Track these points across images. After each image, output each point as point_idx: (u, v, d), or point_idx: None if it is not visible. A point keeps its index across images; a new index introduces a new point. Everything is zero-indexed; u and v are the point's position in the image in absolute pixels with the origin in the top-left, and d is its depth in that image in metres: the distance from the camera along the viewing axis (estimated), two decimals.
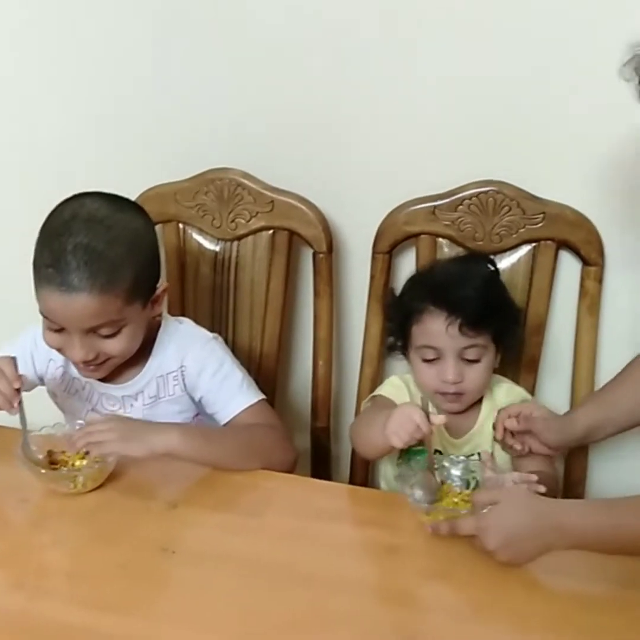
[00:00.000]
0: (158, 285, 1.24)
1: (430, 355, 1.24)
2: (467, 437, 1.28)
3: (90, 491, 1.13)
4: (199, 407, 1.31)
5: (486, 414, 1.30)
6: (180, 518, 1.09)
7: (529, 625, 0.92)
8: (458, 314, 1.20)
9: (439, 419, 1.10)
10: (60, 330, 1.16)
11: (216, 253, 1.54)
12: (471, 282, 1.24)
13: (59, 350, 1.20)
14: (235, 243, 1.52)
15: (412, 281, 1.34)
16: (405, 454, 1.28)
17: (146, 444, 1.12)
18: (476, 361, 1.24)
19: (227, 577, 0.98)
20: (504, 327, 1.26)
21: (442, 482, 1.11)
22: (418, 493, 1.08)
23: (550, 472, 1.25)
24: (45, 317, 1.16)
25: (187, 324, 1.33)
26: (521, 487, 1.03)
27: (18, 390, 1.13)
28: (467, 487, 1.12)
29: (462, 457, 1.16)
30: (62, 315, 1.14)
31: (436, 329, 1.22)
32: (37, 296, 1.16)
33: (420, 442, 1.14)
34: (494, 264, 1.34)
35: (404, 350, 1.31)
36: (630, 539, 0.93)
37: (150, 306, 1.23)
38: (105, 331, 1.16)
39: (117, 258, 1.14)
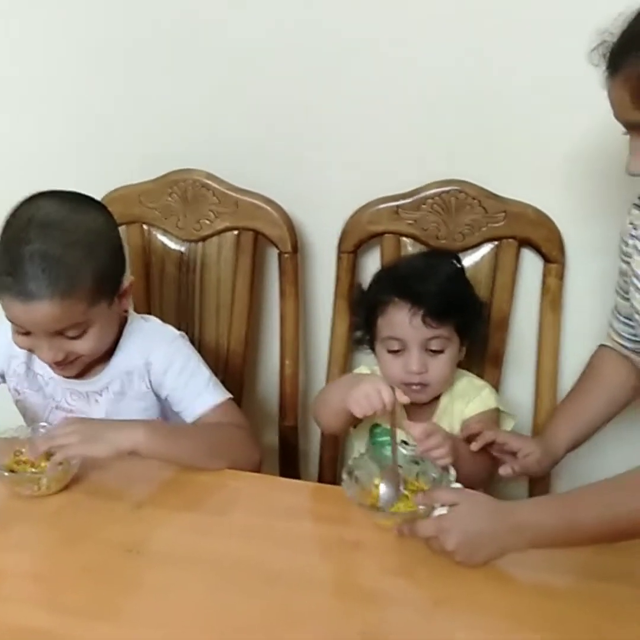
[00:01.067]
0: (124, 279, 1.23)
1: (395, 346, 1.26)
2: None
3: (55, 493, 1.12)
4: (165, 406, 1.31)
5: (444, 406, 1.31)
6: (146, 519, 1.09)
7: (491, 617, 0.93)
8: (421, 304, 1.22)
9: (404, 398, 1.14)
10: (27, 333, 1.16)
11: (181, 254, 1.54)
12: (435, 275, 1.27)
13: (30, 351, 1.20)
14: (200, 244, 1.52)
15: (378, 275, 1.36)
16: (372, 444, 1.30)
17: (111, 443, 1.12)
18: (440, 352, 1.25)
19: (193, 577, 0.98)
20: (467, 319, 1.28)
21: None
22: (383, 489, 1.09)
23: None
24: (9, 320, 1.16)
25: (153, 321, 1.34)
26: (477, 492, 1.04)
27: None
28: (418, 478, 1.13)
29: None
30: (25, 322, 1.14)
31: (400, 320, 1.24)
32: (0, 302, 1.15)
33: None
34: (458, 260, 1.36)
35: (371, 343, 1.33)
36: (584, 532, 0.94)
37: (117, 301, 1.22)
38: (71, 333, 1.16)
39: (76, 262, 1.13)
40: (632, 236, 1.15)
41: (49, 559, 1.03)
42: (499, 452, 1.23)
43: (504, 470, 1.20)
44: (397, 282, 1.27)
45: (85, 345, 1.18)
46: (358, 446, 1.33)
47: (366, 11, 1.38)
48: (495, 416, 1.32)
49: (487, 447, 1.22)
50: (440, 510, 1.00)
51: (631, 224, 1.16)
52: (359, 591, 0.98)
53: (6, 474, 1.12)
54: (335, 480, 1.53)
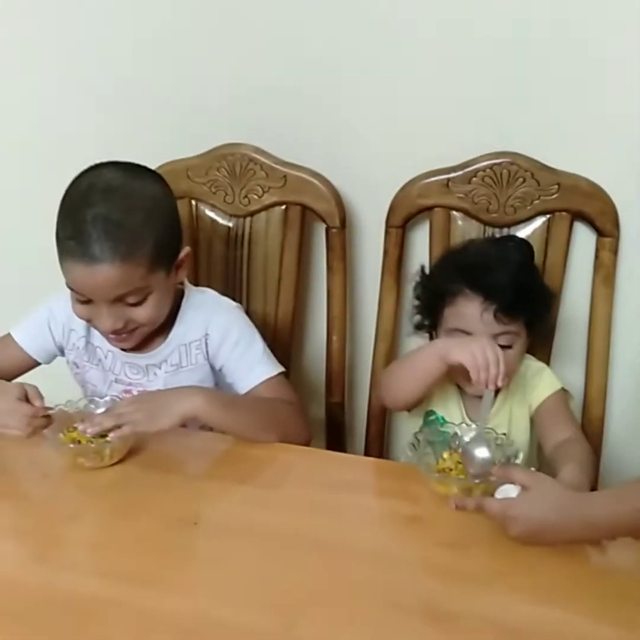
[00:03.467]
0: (180, 250, 1.24)
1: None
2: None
3: (110, 466, 1.13)
4: (218, 377, 1.32)
5: (503, 397, 1.28)
6: (200, 491, 1.10)
7: (551, 593, 0.92)
8: (494, 299, 1.19)
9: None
10: (87, 301, 1.17)
11: (229, 229, 1.53)
12: (508, 267, 1.22)
13: (89, 321, 1.22)
14: (248, 219, 1.52)
15: (445, 260, 1.32)
16: (424, 424, 1.29)
17: (173, 413, 1.13)
18: (508, 347, 1.22)
19: (248, 548, 0.99)
20: (538, 314, 1.25)
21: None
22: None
23: (580, 435, 1.23)
24: (71, 289, 1.18)
25: (210, 293, 1.34)
26: (550, 479, 1.01)
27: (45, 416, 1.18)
28: None
29: (473, 425, 1.16)
30: (86, 287, 1.15)
31: (470, 313, 1.20)
32: (62, 269, 1.17)
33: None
34: (530, 248, 1.32)
35: (432, 329, 1.30)
36: None
37: (175, 272, 1.23)
38: (131, 299, 1.17)
39: (136, 226, 1.14)
40: None
41: (106, 529, 1.03)
42: None
43: None
44: (468, 272, 1.22)
45: (144, 313, 1.19)
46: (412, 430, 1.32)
47: None
48: (563, 396, 1.29)
49: None
50: (507, 487, 0.98)
51: None
52: (415, 564, 0.97)
53: (72, 445, 1.13)
54: (382, 457, 1.53)
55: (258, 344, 1.30)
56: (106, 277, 1.13)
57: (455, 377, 1.24)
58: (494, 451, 1.10)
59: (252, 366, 1.28)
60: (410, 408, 1.31)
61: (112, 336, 1.22)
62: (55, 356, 1.34)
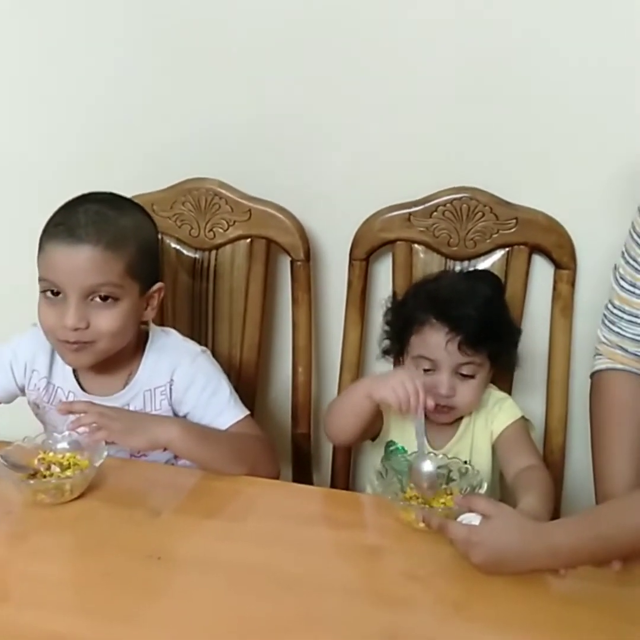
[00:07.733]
0: (156, 282, 1.26)
1: (425, 365, 1.25)
2: (447, 448, 1.29)
3: (72, 501, 1.13)
4: None
5: (466, 425, 1.31)
6: (164, 525, 1.09)
7: (511, 623, 0.93)
8: (459, 331, 1.22)
9: (430, 402, 1.15)
10: (57, 294, 1.17)
11: (194, 262, 1.55)
12: (475, 301, 1.25)
13: (50, 330, 1.19)
14: (214, 252, 1.53)
15: (417, 289, 1.34)
16: (385, 454, 1.31)
17: (148, 435, 1.15)
18: (471, 377, 1.25)
19: (213, 582, 0.99)
20: (502, 348, 1.28)
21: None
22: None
23: (540, 463, 1.25)
24: (44, 280, 1.18)
25: (174, 336, 1.34)
26: (512, 509, 1.03)
27: None
28: (448, 482, 1.14)
29: (440, 454, 1.18)
30: (64, 270, 1.16)
31: (435, 342, 1.23)
32: (39, 259, 1.19)
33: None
34: (500, 284, 1.36)
35: (400, 355, 1.32)
36: (620, 549, 0.94)
37: (145, 303, 1.25)
38: (103, 293, 1.17)
39: (124, 226, 1.20)
40: None
41: (71, 565, 1.03)
42: None
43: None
44: (437, 302, 1.25)
45: (107, 321, 1.18)
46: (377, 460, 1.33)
47: (374, 15, 1.39)
48: (524, 425, 1.31)
49: None
50: (469, 516, 1.00)
51: None
52: (377, 595, 0.98)
53: (32, 482, 1.13)
54: (348, 488, 1.54)
55: (224, 389, 1.30)
56: (86, 258, 1.15)
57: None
58: (458, 478, 1.13)
59: (220, 411, 1.28)
60: (352, 443, 1.34)
61: (68, 339, 1.18)
62: (16, 396, 1.33)
